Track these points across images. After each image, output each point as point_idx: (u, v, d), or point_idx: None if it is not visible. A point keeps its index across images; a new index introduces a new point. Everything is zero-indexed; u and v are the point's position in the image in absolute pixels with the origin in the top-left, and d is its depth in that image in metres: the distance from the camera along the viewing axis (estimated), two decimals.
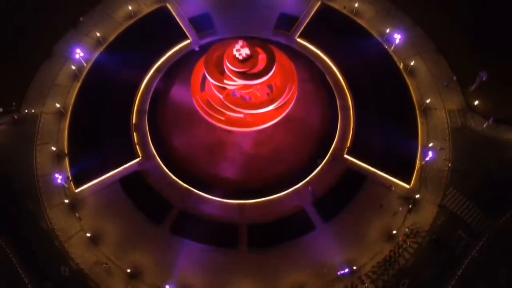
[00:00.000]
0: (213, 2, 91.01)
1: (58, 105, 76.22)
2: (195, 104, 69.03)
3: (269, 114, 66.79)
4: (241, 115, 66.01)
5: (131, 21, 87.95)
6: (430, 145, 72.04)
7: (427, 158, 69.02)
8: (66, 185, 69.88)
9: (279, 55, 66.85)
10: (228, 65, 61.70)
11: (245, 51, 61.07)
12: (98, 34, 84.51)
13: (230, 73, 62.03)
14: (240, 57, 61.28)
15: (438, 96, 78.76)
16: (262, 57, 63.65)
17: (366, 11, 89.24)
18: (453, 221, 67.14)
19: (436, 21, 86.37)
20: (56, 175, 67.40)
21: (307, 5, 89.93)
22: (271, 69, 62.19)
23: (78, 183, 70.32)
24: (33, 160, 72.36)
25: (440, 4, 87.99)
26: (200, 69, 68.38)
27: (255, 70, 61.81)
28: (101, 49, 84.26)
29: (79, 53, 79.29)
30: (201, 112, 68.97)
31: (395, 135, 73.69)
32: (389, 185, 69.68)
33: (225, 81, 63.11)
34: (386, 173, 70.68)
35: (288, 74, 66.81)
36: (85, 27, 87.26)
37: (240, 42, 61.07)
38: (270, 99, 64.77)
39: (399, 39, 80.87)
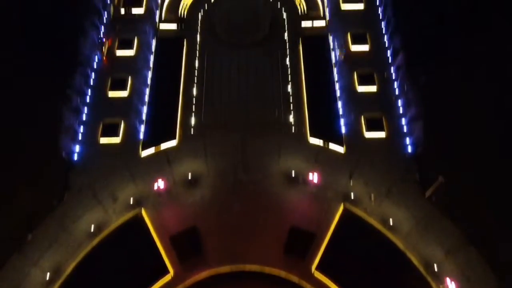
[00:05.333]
0: (202, 210, 70.34)
1: None
2: None
3: None
4: None
5: (94, 241, 66.97)
6: None
7: None
8: None
9: None
10: None
11: None
12: (48, 275, 62.94)
13: None
14: None
15: None
16: None
17: (402, 222, 68.44)
18: None
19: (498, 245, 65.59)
20: None
21: (324, 213, 69.31)
22: None
23: None
24: None
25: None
26: None
27: None
28: None
29: None
30: None
31: None
32: None
33: None
34: None
35: None
36: (34, 249, 65.73)
37: None
38: None
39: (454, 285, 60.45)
